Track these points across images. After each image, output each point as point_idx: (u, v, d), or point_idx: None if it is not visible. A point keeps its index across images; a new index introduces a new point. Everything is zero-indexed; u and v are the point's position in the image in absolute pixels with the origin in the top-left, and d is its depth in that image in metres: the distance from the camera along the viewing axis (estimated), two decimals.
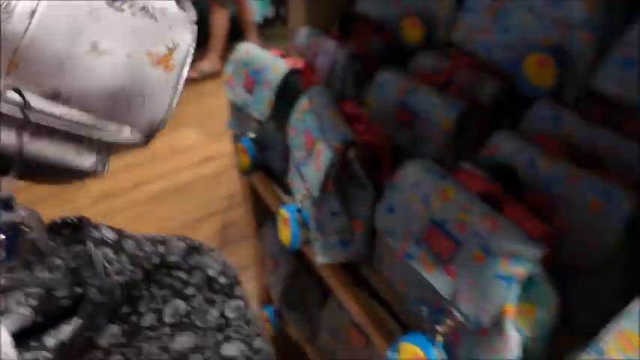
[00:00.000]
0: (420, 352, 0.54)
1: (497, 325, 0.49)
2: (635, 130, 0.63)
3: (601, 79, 0.64)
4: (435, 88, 0.78)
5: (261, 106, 0.87)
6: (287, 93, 0.88)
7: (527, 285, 0.49)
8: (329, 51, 0.92)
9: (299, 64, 0.90)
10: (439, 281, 0.53)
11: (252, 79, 0.88)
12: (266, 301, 1.39)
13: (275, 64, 0.85)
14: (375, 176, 0.71)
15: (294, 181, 0.82)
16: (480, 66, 0.79)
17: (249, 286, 1.71)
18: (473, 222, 0.49)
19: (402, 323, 0.66)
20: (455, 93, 0.77)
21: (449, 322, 0.54)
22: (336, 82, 0.92)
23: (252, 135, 0.93)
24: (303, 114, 0.76)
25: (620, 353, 0.40)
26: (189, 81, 3.00)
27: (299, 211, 0.75)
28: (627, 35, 0.61)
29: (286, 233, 0.77)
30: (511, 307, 0.47)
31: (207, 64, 3.03)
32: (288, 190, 0.90)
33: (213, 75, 3.05)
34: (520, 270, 0.45)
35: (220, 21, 2.86)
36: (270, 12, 2.34)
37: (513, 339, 0.50)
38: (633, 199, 0.52)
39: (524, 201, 0.59)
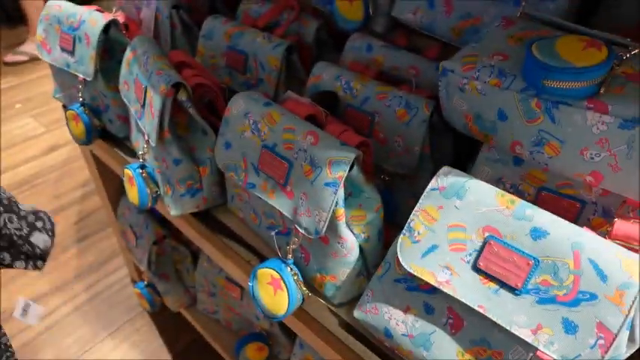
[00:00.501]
0: (275, 274, 0.59)
1: (333, 231, 0.55)
2: (433, 53, 0.74)
3: (398, 9, 0.73)
4: (260, 31, 0.80)
5: (85, 64, 0.81)
6: (112, 48, 0.84)
7: (355, 192, 0.56)
8: (151, 2, 0.89)
9: (119, 17, 0.85)
10: (281, 204, 0.57)
11: (70, 36, 0.82)
12: (137, 279, 1.34)
13: (92, 17, 0.80)
14: (214, 120, 0.72)
15: (138, 141, 0.79)
16: (300, 7, 0.84)
17: (121, 273, 1.64)
18: (298, 140, 0.54)
19: (261, 256, 0.70)
20: (279, 34, 0.81)
21: (295, 239, 0.59)
22: (163, 34, 0.90)
23: (81, 99, 0.87)
24: (130, 65, 0.73)
25: (423, 226, 0.49)
26: (15, 66, 2.66)
27: (142, 167, 0.73)
28: None
29: (133, 193, 0.75)
30: (341, 211, 0.53)
31: (30, 46, 2.69)
32: (134, 154, 0.86)
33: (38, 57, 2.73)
34: (340, 174, 0.50)
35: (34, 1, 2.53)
36: None
37: (350, 241, 0.56)
38: (431, 106, 0.61)
39: (345, 119, 0.65)
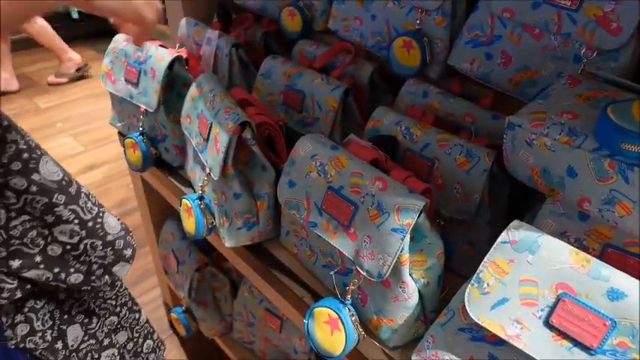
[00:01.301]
0: (333, 314, 0.60)
1: (396, 275, 0.56)
2: (487, 101, 0.76)
3: (455, 58, 0.75)
4: (318, 72, 0.83)
5: (148, 96, 0.85)
6: (174, 82, 0.88)
7: (417, 237, 0.57)
8: (212, 40, 0.93)
9: (183, 53, 0.90)
10: (342, 244, 0.58)
11: (136, 69, 0.86)
12: (173, 303, 1.35)
13: (158, 53, 0.84)
14: (272, 156, 0.74)
15: (195, 172, 0.82)
16: (356, 51, 0.87)
17: (154, 294, 1.65)
18: (366, 185, 0.56)
19: (314, 293, 0.71)
20: (336, 76, 0.84)
21: (355, 280, 0.60)
22: (222, 70, 0.94)
23: (141, 128, 0.91)
24: (195, 101, 0.77)
25: (493, 278, 0.49)
26: (56, 86, 2.77)
27: (201, 198, 0.76)
28: (471, 19, 0.72)
29: (190, 223, 0.77)
30: (405, 257, 0.54)
31: (68, 67, 2.82)
32: (186, 183, 0.89)
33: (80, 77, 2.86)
34: (409, 221, 0.52)
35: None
36: None
37: (411, 286, 0.57)
38: (492, 156, 0.62)
39: (405, 164, 0.67)
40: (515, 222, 0.49)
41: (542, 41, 0.67)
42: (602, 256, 0.53)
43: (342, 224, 0.58)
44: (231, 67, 0.93)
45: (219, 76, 0.94)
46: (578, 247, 0.53)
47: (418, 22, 0.77)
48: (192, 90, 0.78)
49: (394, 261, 0.53)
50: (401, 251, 0.53)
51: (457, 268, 0.70)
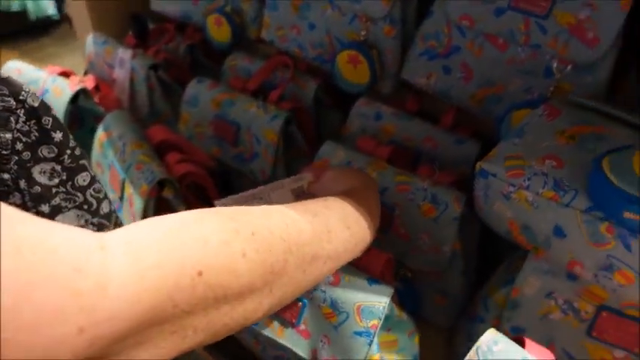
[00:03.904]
0: None
1: None
2: (449, 119, 0.66)
3: (408, 72, 0.64)
4: (253, 97, 0.71)
5: None
6: (83, 117, 0.73)
7: (385, 321, 0.47)
8: (125, 61, 0.79)
9: (89, 82, 0.75)
10: (294, 343, 0.47)
11: None
12: None
13: (55, 86, 0.69)
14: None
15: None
16: (296, 64, 0.75)
17: None
18: None
19: None
20: (274, 98, 0.72)
21: None
22: (140, 96, 0.79)
23: None
24: (104, 148, 0.63)
25: None
26: None
27: None
28: (425, 27, 0.62)
29: None
30: (376, 357, 0.45)
31: None
32: None
33: None
34: (374, 322, 0.42)
35: None
36: (51, 9, 1.80)
37: None
38: (462, 201, 0.52)
39: None
40: (488, 335, 0.36)
41: (507, 53, 0.57)
42: (596, 320, 0.45)
43: (290, 322, 0.47)
44: (151, 92, 0.79)
45: (137, 103, 0.80)
46: (567, 309, 0.45)
47: (364, 32, 0.66)
48: (100, 133, 0.64)
49: None
50: (369, 354, 0.43)
51: (431, 318, 0.61)
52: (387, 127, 0.66)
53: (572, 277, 0.45)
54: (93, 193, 0.42)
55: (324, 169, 0.50)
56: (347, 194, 0.43)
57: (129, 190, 0.56)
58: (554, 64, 0.54)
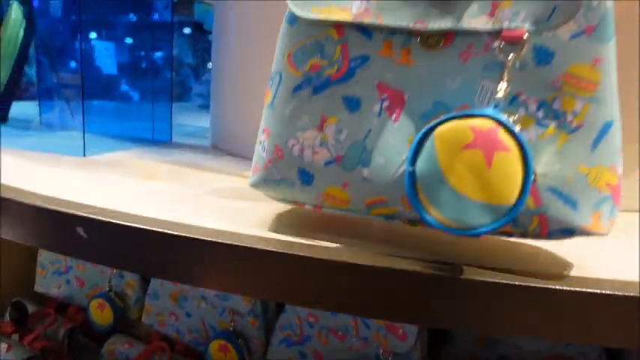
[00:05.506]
0: None
1: None
2: None
3: (272, 356, 0.76)
4: None
5: None
6: None
7: None
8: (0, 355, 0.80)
9: None
10: None
11: None
12: None
13: None
14: None
15: None
16: (172, 347, 0.83)
17: None
18: None
19: None
20: None
21: None
22: None
23: None
24: None
25: None
26: None
27: None
28: (282, 320, 0.76)
29: None
30: None
31: None
32: None
33: None
34: None
35: None
36: None
37: None
38: None
39: None
40: None
41: (346, 342, 0.72)
42: None
43: None
44: None
45: None
46: None
47: (232, 323, 0.78)
48: None
49: None
50: None
51: None
52: None
53: None
54: None
55: None
56: None
57: None
58: (380, 352, 0.70)
